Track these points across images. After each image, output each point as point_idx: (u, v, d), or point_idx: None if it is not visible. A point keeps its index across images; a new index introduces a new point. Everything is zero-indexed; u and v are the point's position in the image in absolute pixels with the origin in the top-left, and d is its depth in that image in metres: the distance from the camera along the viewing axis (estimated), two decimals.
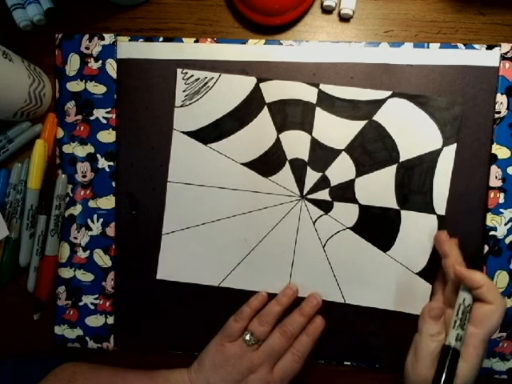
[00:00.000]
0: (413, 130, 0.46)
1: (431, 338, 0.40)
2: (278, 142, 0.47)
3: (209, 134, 0.47)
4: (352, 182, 0.47)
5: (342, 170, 0.47)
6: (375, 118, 0.46)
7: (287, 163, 0.47)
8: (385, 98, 0.46)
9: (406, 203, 0.46)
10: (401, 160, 0.46)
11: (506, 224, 0.46)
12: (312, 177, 0.47)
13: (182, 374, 0.45)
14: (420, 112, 0.46)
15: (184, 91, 0.47)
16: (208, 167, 0.48)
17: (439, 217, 0.46)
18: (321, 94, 0.46)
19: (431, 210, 0.46)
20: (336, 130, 0.46)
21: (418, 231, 0.46)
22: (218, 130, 0.47)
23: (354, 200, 0.47)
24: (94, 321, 0.49)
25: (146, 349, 0.49)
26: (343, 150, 0.47)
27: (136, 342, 0.49)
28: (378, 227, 0.47)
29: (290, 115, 0.47)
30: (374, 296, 0.47)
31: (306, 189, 0.47)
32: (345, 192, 0.47)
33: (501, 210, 0.46)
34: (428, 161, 0.46)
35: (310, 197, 0.47)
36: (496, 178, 0.46)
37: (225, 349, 0.44)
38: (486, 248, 0.46)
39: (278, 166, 0.47)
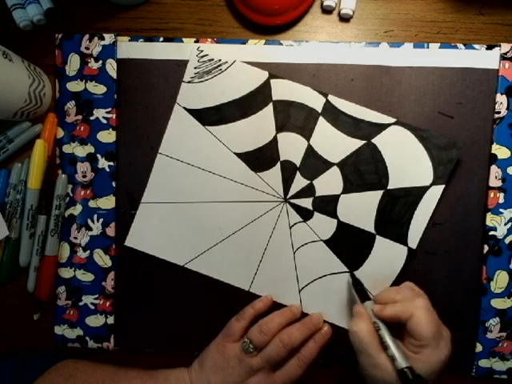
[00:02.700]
0: (407, 161, 0.46)
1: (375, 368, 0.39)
2: (274, 140, 0.47)
3: (209, 117, 0.47)
4: (337, 197, 0.47)
5: (329, 183, 0.47)
6: (374, 140, 0.46)
7: (278, 163, 0.47)
8: (388, 123, 0.46)
9: (382, 230, 0.46)
10: (388, 187, 0.46)
11: (505, 224, 0.46)
12: (299, 182, 0.47)
13: (183, 373, 0.45)
14: (419, 145, 0.46)
15: (195, 68, 0.47)
16: (201, 148, 0.47)
17: (410, 250, 0.46)
18: (327, 104, 0.46)
19: (404, 242, 0.46)
20: (333, 143, 0.47)
21: (387, 259, 0.46)
22: (219, 115, 0.47)
23: (334, 215, 0.47)
24: (94, 321, 0.49)
25: (145, 349, 0.49)
26: (336, 164, 0.47)
27: (136, 342, 0.49)
28: (351, 246, 0.47)
29: (293, 118, 0.47)
30: (330, 310, 0.47)
31: (291, 193, 0.47)
32: (327, 205, 0.47)
33: (501, 209, 0.46)
34: (414, 195, 0.46)
35: (292, 201, 0.47)
36: (496, 178, 0.46)
37: (225, 350, 0.44)
38: (486, 248, 0.46)
39: (269, 164, 0.47)
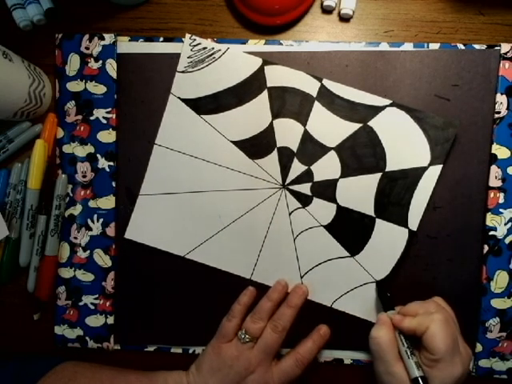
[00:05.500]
0: (404, 142, 0.46)
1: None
2: (270, 127, 0.47)
3: (205, 106, 0.47)
4: (335, 181, 0.47)
5: (327, 167, 0.47)
6: (370, 123, 0.46)
7: (275, 150, 0.47)
8: (383, 105, 0.46)
9: (382, 212, 0.46)
10: (386, 170, 0.46)
11: (505, 224, 0.46)
12: (297, 168, 0.47)
13: (181, 376, 0.45)
14: (415, 126, 0.46)
15: (189, 57, 0.47)
16: (197, 138, 0.47)
17: (411, 231, 0.46)
18: (322, 88, 0.46)
19: (405, 224, 0.46)
20: (330, 128, 0.47)
21: (388, 242, 0.46)
22: (214, 103, 0.47)
23: (333, 199, 0.47)
24: (94, 321, 0.49)
25: (145, 349, 0.49)
26: (333, 148, 0.47)
27: (136, 342, 0.49)
28: (351, 230, 0.47)
29: (288, 103, 0.47)
30: (332, 295, 0.47)
31: (289, 179, 0.47)
32: (326, 190, 0.47)
33: (501, 210, 0.46)
34: (412, 176, 0.46)
35: (291, 187, 0.47)
36: (496, 177, 0.46)
37: (221, 351, 0.44)
38: (486, 248, 0.46)
39: (266, 151, 0.47)
